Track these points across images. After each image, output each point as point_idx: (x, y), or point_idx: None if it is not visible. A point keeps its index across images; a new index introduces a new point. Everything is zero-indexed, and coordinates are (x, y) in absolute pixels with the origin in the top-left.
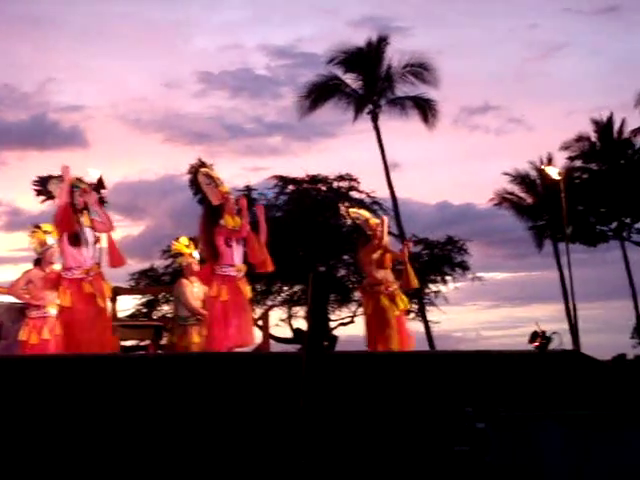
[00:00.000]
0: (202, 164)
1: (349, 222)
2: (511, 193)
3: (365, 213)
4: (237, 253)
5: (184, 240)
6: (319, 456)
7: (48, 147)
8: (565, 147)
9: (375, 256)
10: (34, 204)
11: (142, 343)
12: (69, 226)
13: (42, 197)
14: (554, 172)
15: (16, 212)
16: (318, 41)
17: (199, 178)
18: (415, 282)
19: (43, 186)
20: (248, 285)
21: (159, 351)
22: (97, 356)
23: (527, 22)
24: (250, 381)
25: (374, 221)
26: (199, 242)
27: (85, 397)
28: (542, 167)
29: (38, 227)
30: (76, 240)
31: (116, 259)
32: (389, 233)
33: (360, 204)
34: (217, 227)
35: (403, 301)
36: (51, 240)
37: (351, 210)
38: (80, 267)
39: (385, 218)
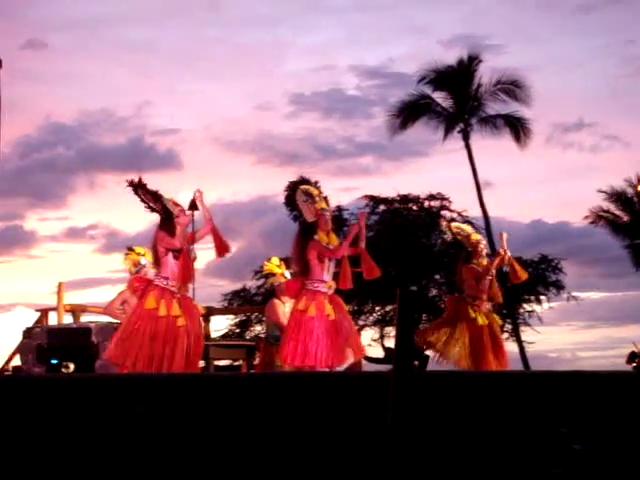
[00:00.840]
0: (302, 182)
1: (449, 238)
2: (607, 211)
3: (467, 228)
4: (329, 270)
5: (275, 260)
6: (408, 476)
7: (145, 170)
8: None
9: (477, 272)
10: (131, 226)
11: (235, 363)
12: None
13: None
14: None
15: (113, 234)
16: (409, 60)
17: (296, 195)
18: (524, 274)
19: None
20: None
21: (252, 371)
22: (190, 376)
23: (623, 38)
24: (340, 401)
25: (476, 237)
26: (292, 259)
27: (179, 416)
28: (638, 184)
29: (131, 249)
30: (178, 254)
31: (222, 248)
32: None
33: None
34: (311, 241)
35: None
36: (144, 261)
37: (453, 225)
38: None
39: (504, 234)
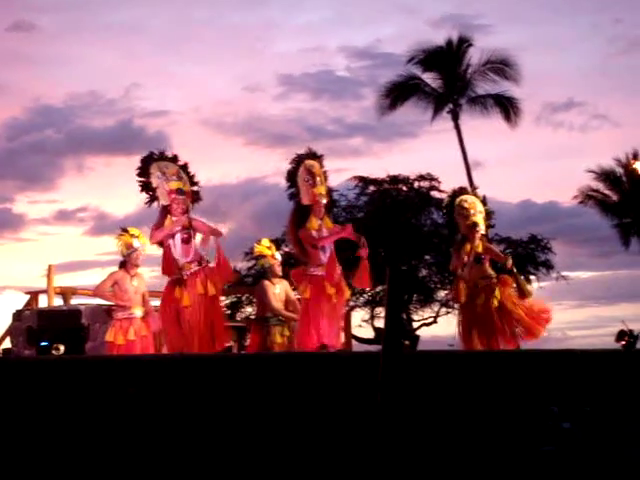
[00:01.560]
0: (310, 155)
1: (444, 215)
2: (596, 190)
3: (476, 204)
4: (326, 253)
5: (265, 242)
6: (398, 454)
7: (134, 152)
8: None
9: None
10: (120, 209)
11: (227, 344)
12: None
13: (146, 196)
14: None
15: (102, 217)
16: (398, 41)
17: (300, 171)
18: (530, 290)
19: (145, 173)
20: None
21: (242, 351)
22: (181, 357)
23: (611, 17)
24: (331, 381)
25: (473, 220)
26: (288, 240)
27: (170, 397)
28: (628, 163)
29: (125, 230)
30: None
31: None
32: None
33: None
34: (303, 229)
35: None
36: (137, 243)
37: (461, 198)
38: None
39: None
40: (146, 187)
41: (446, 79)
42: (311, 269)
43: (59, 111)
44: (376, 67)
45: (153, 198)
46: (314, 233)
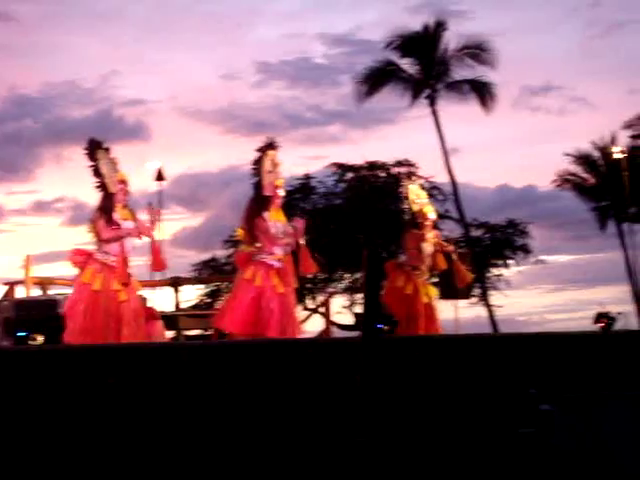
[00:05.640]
0: (272, 145)
1: (404, 197)
2: (573, 174)
3: (422, 199)
4: (279, 243)
5: None
6: (376, 434)
7: (112, 141)
8: (628, 125)
9: (425, 247)
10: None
11: (206, 332)
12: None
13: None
14: (617, 151)
15: (80, 207)
16: (377, 28)
17: (264, 162)
18: (469, 276)
19: (93, 158)
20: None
21: (222, 340)
22: (161, 345)
23: (588, 0)
24: (312, 367)
25: (427, 210)
26: (241, 227)
27: (154, 384)
28: (604, 146)
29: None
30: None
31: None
32: (449, 217)
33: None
34: (259, 219)
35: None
36: None
37: (412, 187)
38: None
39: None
40: (96, 172)
41: (423, 65)
42: (262, 256)
43: (36, 100)
44: (354, 54)
45: (102, 184)
46: (271, 225)
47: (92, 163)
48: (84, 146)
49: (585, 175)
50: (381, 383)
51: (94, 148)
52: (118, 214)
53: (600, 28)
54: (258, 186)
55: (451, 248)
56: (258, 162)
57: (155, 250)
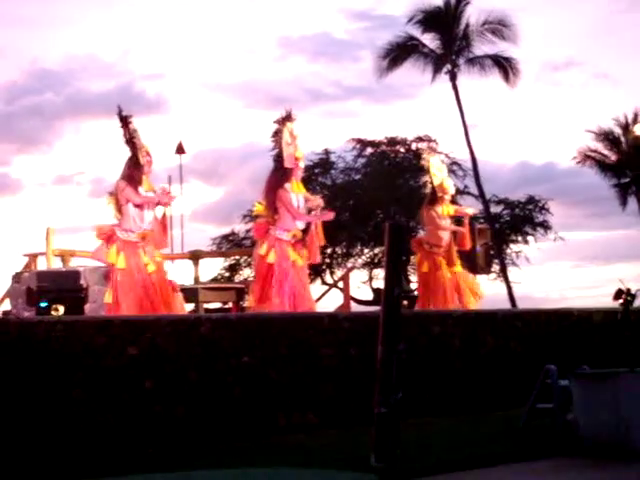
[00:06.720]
0: (289, 117)
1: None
2: (594, 150)
3: (442, 173)
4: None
5: None
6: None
7: (134, 115)
8: None
9: (441, 218)
10: (117, 172)
11: (225, 305)
12: None
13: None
14: (639, 128)
15: (100, 180)
16: (398, 2)
17: (284, 134)
18: (469, 244)
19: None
20: (303, 250)
21: (241, 312)
22: (181, 317)
23: None
24: (331, 340)
25: (448, 185)
26: (262, 198)
27: (173, 355)
28: (626, 123)
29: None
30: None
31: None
32: (469, 193)
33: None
34: (281, 190)
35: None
36: None
37: (433, 160)
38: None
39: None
40: (130, 142)
41: (444, 40)
42: (277, 231)
43: (57, 74)
44: (375, 29)
45: (134, 155)
46: (293, 196)
47: (127, 133)
48: (119, 115)
49: (606, 152)
50: (401, 336)
51: (126, 118)
52: (142, 185)
53: (624, 3)
54: (278, 158)
55: (465, 212)
56: (277, 134)
57: (164, 226)
